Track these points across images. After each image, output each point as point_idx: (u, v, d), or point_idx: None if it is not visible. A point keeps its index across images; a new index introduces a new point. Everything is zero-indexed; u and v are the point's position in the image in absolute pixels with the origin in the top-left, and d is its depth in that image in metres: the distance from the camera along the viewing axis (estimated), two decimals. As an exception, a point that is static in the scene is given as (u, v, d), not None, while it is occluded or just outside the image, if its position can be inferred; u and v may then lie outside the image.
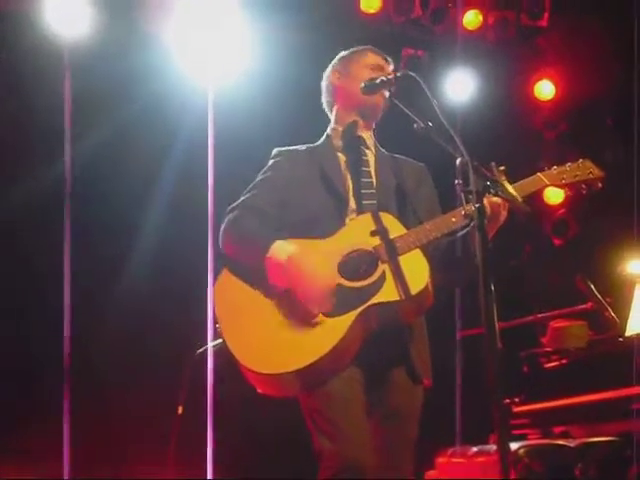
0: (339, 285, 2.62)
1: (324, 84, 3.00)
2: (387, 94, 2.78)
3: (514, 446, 3.84)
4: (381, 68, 2.88)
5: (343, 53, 2.99)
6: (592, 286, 4.32)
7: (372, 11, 5.88)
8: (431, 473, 4.37)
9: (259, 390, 2.69)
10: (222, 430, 4.63)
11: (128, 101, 5.00)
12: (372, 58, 2.91)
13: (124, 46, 5.02)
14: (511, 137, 6.07)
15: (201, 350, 3.97)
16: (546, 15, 6.04)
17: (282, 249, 2.64)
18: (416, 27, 6.00)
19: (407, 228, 2.69)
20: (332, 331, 2.57)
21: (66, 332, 4.70)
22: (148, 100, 4.98)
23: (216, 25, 5.01)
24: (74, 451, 4.63)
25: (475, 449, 4.13)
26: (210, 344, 3.95)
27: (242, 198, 2.84)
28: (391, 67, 2.92)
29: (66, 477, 4.61)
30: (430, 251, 2.69)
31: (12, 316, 4.83)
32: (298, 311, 2.62)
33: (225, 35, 5.07)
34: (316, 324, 2.60)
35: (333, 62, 2.99)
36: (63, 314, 4.69)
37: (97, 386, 4.89)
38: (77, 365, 4.68)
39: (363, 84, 2.80)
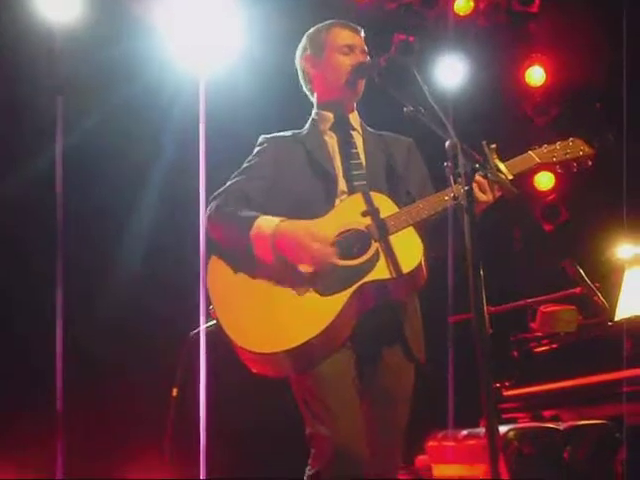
0: (332, 263, 2.63)
1: (298, 69, 2.97)
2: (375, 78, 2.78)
3: (503, 429, 3.86)
4: (352, 45, 2.85)
5: (310, 33, 2.94)
6: (581, 270, 4.34)
7: (364, -4, 5.88)
8: (422, 457, 4.40)
9: (254, 370, 2.70)
10: (215, 426, 4.63)
11: (119, 88, 4.98)
12: (342, 36, 2.87)
13: (115, 32, 5.00)
14: (502, 123, 6.07)
15: (195, 332, 3.97)
16: (537, 1, 6.04)
17: (267, 222, 2.65)
18: (408, 13, 5.99)
19: (399, 206, 2.70)
20: (326, 309, 2.58)
21: (58, 324, 4.70)
22: (139, 87, 4.96)
23: (207, 12, 4.99)
24: (68, 445, 4.62)
25: (465, 432, 4.16)
26: (203, 325, 3.96)
27: (227, 184, 2.84)
28: (362, 35, 2.89)
29: (59, 474, 4.61)
30: (423, 229, 2.69)
31: (3, 310, 4.83)
32: (291, 284, 2.63)
33: (216, 22, 5.05)
34: (329, 273, 2.58)
35: (302, 43, 2.95)
36: (55, 307, 4.68)
37: (90, 378, 4.88)
38: (70, 357, 4.68)
39: (350, 73, 2.79)
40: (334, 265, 2.62)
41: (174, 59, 5.03)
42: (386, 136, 2.94)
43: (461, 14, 6.10)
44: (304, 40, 2.96)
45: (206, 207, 2.72)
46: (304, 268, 2.65)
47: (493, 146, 2.49)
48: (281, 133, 2.93)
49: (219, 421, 4.65)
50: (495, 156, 2.46)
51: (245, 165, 2.87)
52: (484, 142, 2.47)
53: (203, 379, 4.50)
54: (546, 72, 6.34)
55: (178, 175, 5.11)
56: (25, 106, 4.92)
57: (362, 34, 2.91)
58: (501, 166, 2.44)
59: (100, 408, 4.91)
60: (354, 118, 2.93)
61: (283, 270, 2.65)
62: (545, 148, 2.79)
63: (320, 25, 2.95)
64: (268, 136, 2.92)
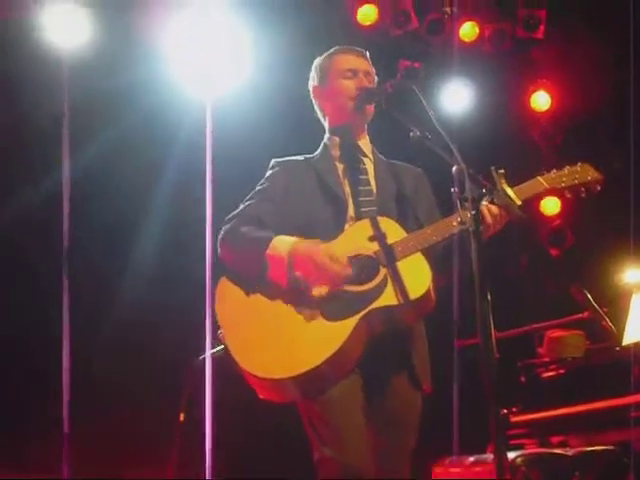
0: (341, 290, 2.63)
1: (311, 96, 2.99)
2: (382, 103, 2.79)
3: (511, 455, 3.83)
4: (356, 69, 2.86)
5: (316, 62, 2.97)
6: (588, 295, 4.32)
7: (369, 23, 5.92)
8: (429, 483, 4.36)
9: (261, 395, 2.69)
10: (221, 436, 4.62)
11: (126, 112, 5.02)
12: (344, 60, 2.88)
13: (122, 56, 5.04)
14: (508, 148, 6.09)
15: (202, 357, 3.96)
16: (542, 27, 6.09)
17: (283, 242, 2.65)
18: (413, 39, 6.04)
19: (408, 232, 2.70)
20: (334, 335, 2.57)
21: (65, 339, 4.70)
22: (146, 111, 5.00)
23: (214, 37, 5.02)
24: (74, 460, 4.61)
25: (472, 459, 4.12)
26: (209, 351, 3.95)
27: (240, 208, 2.84)
28: (367, 58, 2.90)
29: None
30: (431, 255, 2.68)
31: (11, 324, 4.84)
32: (301, 309, 2.63)
33: (223, 47, 5.08)
34: (342, 293, 2.59)
35: (310, 75, 2.98)
36: (62, 322, 4.68)
37: (97, 394, 4.88)
38: (77, 373, 4.68)
39: (355, 98, 2.81)
40: (345, 289, 2.62)
41: (181, 84, 5.06)
42: (397, 164, 2.95)
43: (466, 40, 6.14)
44: (312, 71, 2.99)
45: (212, 230, 2.74)
46: (317, 291, 2.64)
47: (502, 171, 2.48)
48: (293, 157, 2.94)
49: (225, 444, 4.63)
50: (503, 181, 2.46)
51: (257, 189, 2.88)
52: (492, 168, 2.46)
53: (209, 403, 4.49)
54: (551, 97, 6.37)
55: (184, 198, 5.13)
56: (32, 129, 4.95)
57: (367, 56, 2.92)
58: (509, 191, 2.43)
59: (105, 427, 4.90)
60: (365, 144, 2.94)
61: (294, 293, 2.64)
62: (553, 173, 2.77)
63: (326, 54, 2.97)
64: (280, 160, 2.93)
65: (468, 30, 6.14)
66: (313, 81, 2.96)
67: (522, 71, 6.37)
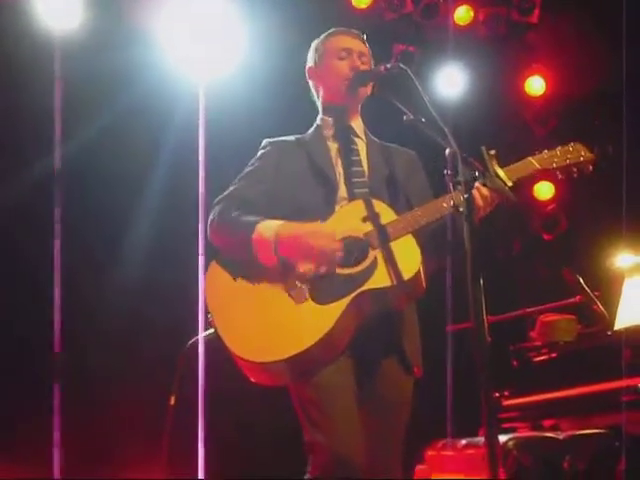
0: (331, 269, 2.62)
1: (307, 77, 2.99)
2: (375, 86, 2.79)
3: (503, 439, 3.85)
4: (350, 49, 2.86)
5: (314, 43, 2.97)
6: (580, 279, 4.33)
7: (363, 6, 5.89)
8: (421, 466, 4.38)
9: (252, 379, 2.69)
10: (214, 428, 4.63)
11: (118, 95, 4.99)
12: (339, 41, 2.89)
13: (115, 40, 5.01)
14: (502, 132, 6.08)
15: (193, 341, 3.96)
16: (537, 11, 6.06)
17: (268, 226, 2.65)
18: (407, 23, 6.02)
19: (399, 214, 2.69)
20: (324, 318, 2.57)
21: (56, 328, 4.69)
22: (139, 94, 4.97)
23: (207, 20, 5.00)
24: (64, 450, 4.61)
25: (464, 442, 4.15)
26: (201, 334, 3.95)
27: (229, 189, 2.84)
28: (363, 39, 2.91)
29: (56, 477, 4.59)
30: (421, 237, 2.68)
31: (1, 314, 4.82)
32: (291, 291, 2.62)
33: (216, 30, 5.06)
34: (333, 272, 2.59)
35: (308, 54, 2.98)
36: (53, 311, 4.67)
37: (87, 383, 4.88)
38: (67, 363, 4.67)
39: (351, 78, 2.81)
40: (335, 272, 2.61)
41: (174, 68, 5.04)
42: (390, 147, 2.95)
43: (461, 24, 6.12)
44: (309, 51, 2.99)
45: (205, 215, 2.74)
46: (303, 267, 2.63)
47: (492, 152, 2.48)
48: (284, 137, 2.93)
49: (217, 428, 4.64)
50: (495, 162, 2.45)
51: (247, 169, 2.88)
52: (483, 148, 2.46)
53: (201, 387, 4.50)
54: (546, 82, 6.36)
55: (177, 183, 5.12)
56: (24, 113, 4.92)
57: (364, 38, 2.91)
58: (500, 172, 2.43)
59: (97, 415, 4.90)
60: (358, 125, 2.93)
61: (284, 277, 2.64)
62: (545, 154, 2.76)
63: (323, 35, 2.97)
64: (272, 140, 2.93)
65: (463, 14, 6.12)
66: (309, 62, 2.96)
67: (517, 55, 6.35)
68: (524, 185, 2.71)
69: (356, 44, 2.88)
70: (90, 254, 5.00)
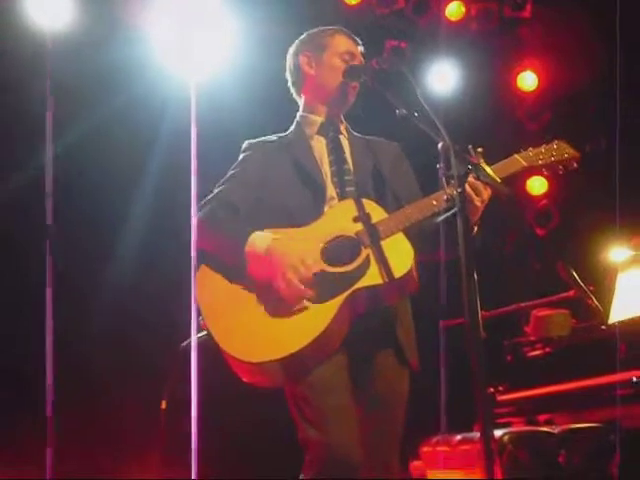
0: (323, 271, 2.61)
1: (290, 64, 2.95)
2: (368, 80, 2.78)
3: (498, 433, 3.85)
4: (353, 54, 2.86)
5: (312, 33, 2.94)
6: (574, 273, 4.34)
7: (355, 2, 5.88)
8: (416, 462, 4.38)
9: (245, 379, 2.67)
10: (207, 428, 4.62)
11: (110, 94, 4.97)
12: (344, 44, 2.88)
13: (106, 39, 4.99)
14: (494, 128, 6.08)
15: (186, 343, 3.95)
16: (529, 6, 6.07)
17: (261, 240, 2.63)
18: (399, 18, 6.01)
19: (387, 211, 2.69)
20: (318, 318, 2.56)
21: (48, 328, 4.67)
22: (130, 93, 4.95)
23: (198, 18, 4.98)
24: (57, 449, 4.60)
25: (459, 437, 4.15)
26: (194, 336, 3.94)
27: (215, 191, 2.81)
28: (360, 49, 2.91)
29: (48, 476, 4.58)
30: (413, 234, 2.68)
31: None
32: (281, 299, 2.61)
33: (208, 28, 5.04)
34: (300, 311, 2.59)
35: (301, 40, 2.95)
36: (45, 305, 4.65)
37: (81, 386, 4.86)
38: (59, 364, 4.66)
39: (346, 69, 2.80)
40: (325, 272, 2.60)
41: (165, 65, 5.02)
42: (372, 140, 2.93)
43: (453, 19, 6.12)
44: (304, 38, 2.95)
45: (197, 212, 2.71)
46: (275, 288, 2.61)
47: (480, 150, 2.49)
48: (265, 138, 2.91)
49: (211, 430, 4.63)
50: (482, 160, 2.47)
51: (230, 172, 2.85)
52: (470, 146, 2.47)
53: (195, 390, 4.48)
54: (538, 77, 6.36)
55: (170, 181, 5.09)
56: (14, 112, 4.90)
57: (360, 49, 2.92)
58: (487, 170, 2.44)
59: (90, 416, 4.88)
60: (340, 122, 2.92)
61: (274, 285, 2.62)
62: (530, 151, 2.80)
63: (324, 28, 2.95)
64: (253, 141, 2.90)
65: (454, 9, 6.12)
66: (305, 49, 2.91)
67: (509, 50, 6.35)
68: (512, 182, 2.72)
69: (358, 51, 2.89)
70: (82, 255, 4.97)
